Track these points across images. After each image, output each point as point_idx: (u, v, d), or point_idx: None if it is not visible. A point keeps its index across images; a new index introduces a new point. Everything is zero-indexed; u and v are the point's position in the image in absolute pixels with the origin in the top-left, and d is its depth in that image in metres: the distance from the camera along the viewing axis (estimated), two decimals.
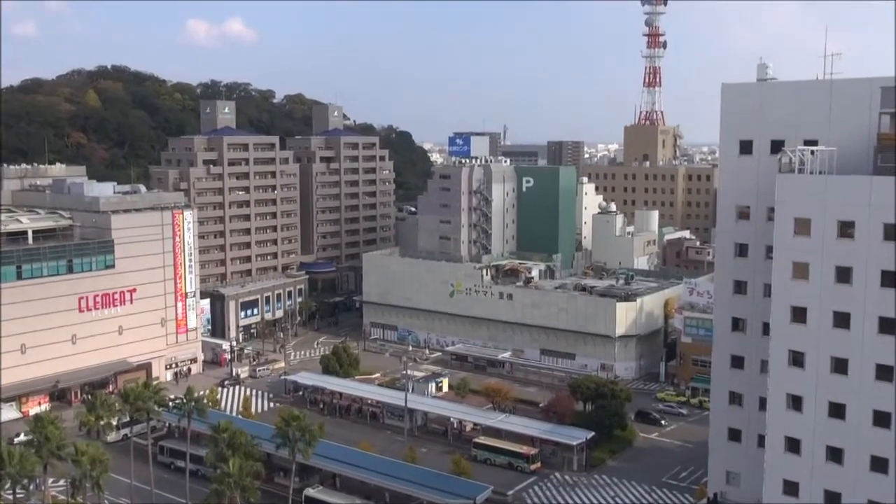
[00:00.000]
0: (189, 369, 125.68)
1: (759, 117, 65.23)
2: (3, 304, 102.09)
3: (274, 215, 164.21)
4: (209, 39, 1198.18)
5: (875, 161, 58.46)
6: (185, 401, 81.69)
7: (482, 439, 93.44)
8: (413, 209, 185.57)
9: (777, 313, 59.82)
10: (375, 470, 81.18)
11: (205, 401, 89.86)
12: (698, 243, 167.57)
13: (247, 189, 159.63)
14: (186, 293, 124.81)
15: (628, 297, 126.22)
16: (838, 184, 57.18)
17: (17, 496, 69.55)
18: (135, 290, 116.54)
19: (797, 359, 59.07)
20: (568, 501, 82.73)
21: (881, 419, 55.38)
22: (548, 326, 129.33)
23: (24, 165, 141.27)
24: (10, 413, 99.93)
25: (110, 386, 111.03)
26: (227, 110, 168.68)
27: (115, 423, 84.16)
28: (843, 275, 56.54)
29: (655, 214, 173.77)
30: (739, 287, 67.67)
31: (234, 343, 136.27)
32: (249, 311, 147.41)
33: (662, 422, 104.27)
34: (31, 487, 72.55)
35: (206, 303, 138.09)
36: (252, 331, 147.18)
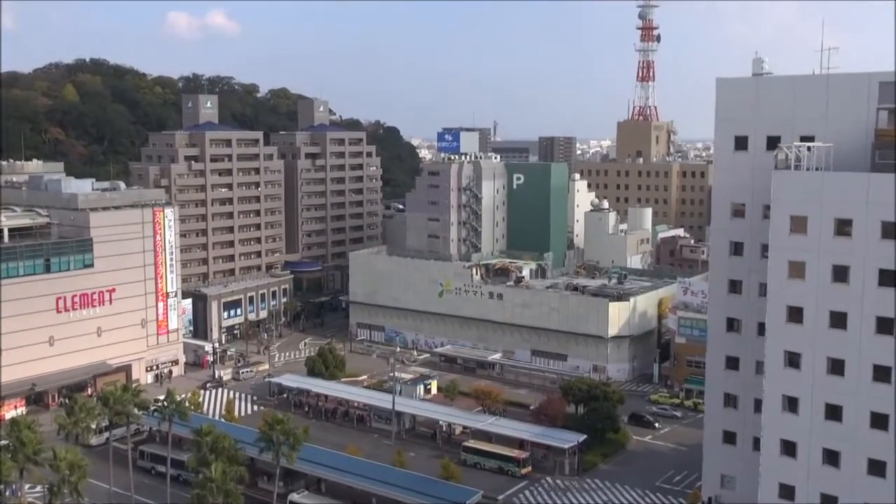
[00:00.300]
0: (170, 371, 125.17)
1: (755, 113, 65.38)
2: None
3: (258, 213, 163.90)
4: (190, 32, 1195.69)
5: (873, 157, 58.66)
6: (165, 404, 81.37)
7: (472, 443, 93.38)
8: (401, 206, 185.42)
9: (773, 313, 60.01)
10: (362, 474, 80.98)
11: (186, 404, 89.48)
12: (692, 241, 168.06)
13: (230, 186, 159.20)
14: (167, 293, 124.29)
15: (621, 297, 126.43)
16: (835, 181, 57.36)
17: None
18: (114, 290, 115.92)
19: (793, 360, 59.27)
20: None
21: (879, 421, 55.60)
22: (539, 327, 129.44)
23: None
24: None
25: (89, 389, 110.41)
26: (209, 105, 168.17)
27: (94, 426, 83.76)
28: (841, 274, 56.75)
29: (649, 212, 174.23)
30: (734, 286, 67.84)
31: (217, 344, 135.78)
32: (232, 312, 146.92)
33: (656, 424, 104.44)
34: (7, 494, 72.12)
35: (187, 303, 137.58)
36: (235, 332, 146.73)
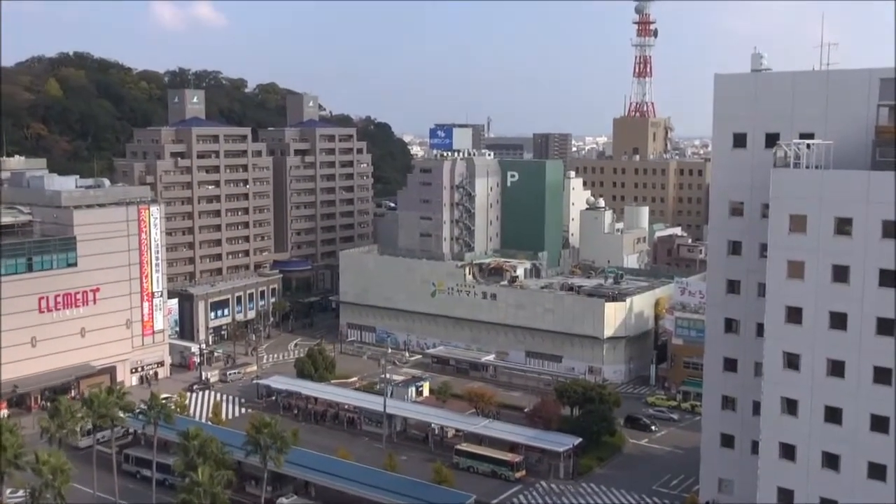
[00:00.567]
0: (156, 373, 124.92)
1: (754, 109, 65.51)
2: None
3: (246, 211, 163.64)
4: (175, 24, 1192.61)
5: (873, 155, 58.84)
6: (151, 406, 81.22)
7: (464, 446, 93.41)
8: (392, 205, 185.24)
9: (771, 314, 60.15)
10: (352, 478, 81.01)
11: (172, 406, 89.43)
12: (690, 241, 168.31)
13: (217, 183, 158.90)
14: (153, 293, 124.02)
15: (617, 297, 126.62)
16: (835, 179, 57.52)
17: None
18: (98, 289, 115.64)
19: (792, 361, 59.42)
20: None
21: (879, 424, 55.79)
22: (533, 328, 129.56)
23: None
24: None
25: (72, 391, 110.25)
26: (196, 100, 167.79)
27: (78, 429, 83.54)
28: (840, 274, 56.90)
29: (645, 210, 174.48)
30: (732, 286, 67.97)
31: (204, 345, 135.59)
32: (220, 312, 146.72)
33: (653, 427, 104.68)
34: None
35: (173, 303, 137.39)
36: (222, 332, 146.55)
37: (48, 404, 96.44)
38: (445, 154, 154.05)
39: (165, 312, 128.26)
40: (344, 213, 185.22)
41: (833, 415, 57.78)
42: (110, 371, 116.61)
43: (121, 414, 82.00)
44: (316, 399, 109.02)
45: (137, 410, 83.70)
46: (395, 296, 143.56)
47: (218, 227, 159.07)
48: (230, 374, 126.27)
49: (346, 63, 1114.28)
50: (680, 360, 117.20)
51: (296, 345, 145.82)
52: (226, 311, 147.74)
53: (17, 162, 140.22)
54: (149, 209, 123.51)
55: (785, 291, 59.35)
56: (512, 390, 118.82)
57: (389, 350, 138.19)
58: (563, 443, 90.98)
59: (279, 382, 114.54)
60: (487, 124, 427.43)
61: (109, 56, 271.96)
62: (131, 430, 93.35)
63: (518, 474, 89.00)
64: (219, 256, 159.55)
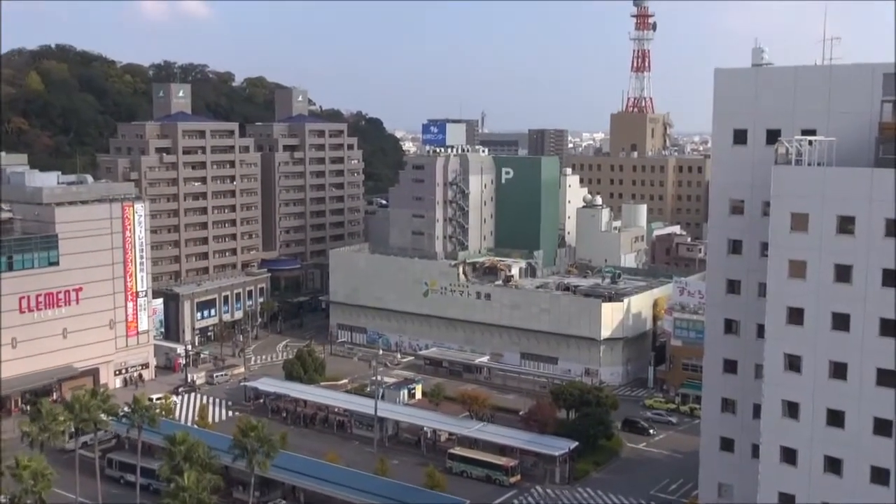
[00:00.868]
0: (140, 375, 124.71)
1: (754, 105, 65.52)
2: None
3: (233, 208, 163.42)
4: (160, 15, 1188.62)
5: (877, 152, 58.84)
6: (135, 410, 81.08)
7: (458, 450, 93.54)
8: (384, 202, 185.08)
9: (772, 314, 60.20)
10: (342, 483, 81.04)
11: (157, 409, 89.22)
12: (689, 239, 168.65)
13: (203, 180, 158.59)
14: (137, 292, 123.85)
15: (614, 298, 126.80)
16: (838, 176, 57.57)
17: None
18: (81, 289, 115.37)
19: (794, 363, 59.46)
20: None
21: (882, 427, 55.84)
22: (528, 328, 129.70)
23: None
24: None
25: (54, 393, 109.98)
26: (181, 94, 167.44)
27: (62, 430, 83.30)
28: (843, 273, 56.94)
29: (644, 208, 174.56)
30: (732, 286, 67.94)
31: (190, 347, 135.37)
32: (206, 312, 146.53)
33: (651, 430, 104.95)
34: None
35: (158, 303, 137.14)
36: (209, 333, 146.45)
37: (29, 407, 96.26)
38: (438, 150, 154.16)
39: (150, 313, 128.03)
40: (334, 211, 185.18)
41: (835, 418, 57.82)
42: (93, 373, 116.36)
43: (104, 417, 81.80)
44: (305, 402, 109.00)
45: (121, 413, 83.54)
46: (386, 296, 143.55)
47: (204, 225, 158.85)
48: (217, 376, 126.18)
49: (337, 56, 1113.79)
50: (679, 362, 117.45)
51: (284, 346, 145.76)
52: (212, 312, 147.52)
53: None
54: (133, 206, 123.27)
55: (786, 291, 59.41)
56: (506, 393, 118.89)
57: (381, 351, 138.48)
58: (559, 446, 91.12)
59: (267, 385, 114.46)
60: (482, 120, 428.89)
61: (93, 49, 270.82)
62: (115, 434, 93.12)
63: (513, 479, 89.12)
64: (205, 255, 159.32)
